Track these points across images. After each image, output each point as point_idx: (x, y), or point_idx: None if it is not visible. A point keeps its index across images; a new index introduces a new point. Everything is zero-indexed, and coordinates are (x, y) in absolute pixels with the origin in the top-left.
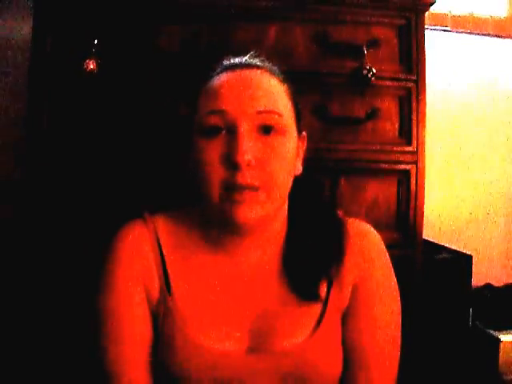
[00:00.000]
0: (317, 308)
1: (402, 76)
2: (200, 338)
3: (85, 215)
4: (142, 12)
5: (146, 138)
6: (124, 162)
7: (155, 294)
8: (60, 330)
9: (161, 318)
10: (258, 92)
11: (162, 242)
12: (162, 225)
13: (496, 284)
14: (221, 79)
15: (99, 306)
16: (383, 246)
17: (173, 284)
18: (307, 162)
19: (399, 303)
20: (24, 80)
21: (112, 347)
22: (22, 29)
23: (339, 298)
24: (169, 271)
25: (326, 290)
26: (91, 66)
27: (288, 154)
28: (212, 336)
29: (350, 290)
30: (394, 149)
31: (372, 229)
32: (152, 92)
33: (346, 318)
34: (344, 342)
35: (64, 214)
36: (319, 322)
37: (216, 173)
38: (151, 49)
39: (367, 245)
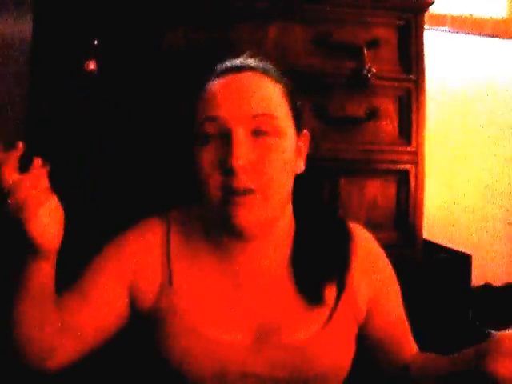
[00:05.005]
0: (325, 310)
1: (402, 76)
2: (202, 328)
3: (85, 217)
4: (142, 12)
5: (147, 138)
6: (125, 162)
7: (154, 285)
8: None
9: (163, 310)
10: (251, 96)
11: (171, 238)
12: (174, 221)
13: (495, 284)
14: (214, 85)
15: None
16: (380, 248)
17: (175, 276)
18: (307, 163)
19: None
20: (24, 80)
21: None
22: (22, 29)
23: (351, 304)
24: (173, 265)
25: (335, 294)
26: (91, 67)
27: (285, 155)
28: (214, 327)
29: (365, 301)
30: (394, 149)
31: (367, 232)
32: (152, 93)
33: (366, 322)
34: (369, 336)
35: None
36: (326, 323)
37: (213, 179)
38: (151, 49)
39: (371, 250)
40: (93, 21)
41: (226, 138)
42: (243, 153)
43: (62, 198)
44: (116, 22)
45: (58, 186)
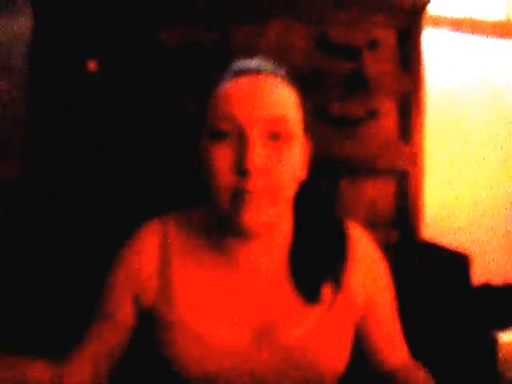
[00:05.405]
0: (322, 308)
1: (402, 76)
2: (201, 328)
3: (86, 216)
4: (143, 12)
5: (148, 137)
6: (126, 162)
7: (153, 286)
8: (59, 330)
9: (163, 311)
10: (268, 99)
11: (170, 241)
12: (172, 224)
13: (495, 283)
14: (230, 85)
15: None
16: (378, 248)
17: (174, 277)
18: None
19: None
20: (24, 80)
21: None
22: (22, 29)
23: (347, 303)
24: (172, 265)
25: (331, 292)
26: (92, 66)
27: (294, 160)
28: (214, 327)
29: (362, 300)
30: (394, 149)
31: (365, 232)
32: (153, 91)
33: (362, 322)
34: (363, 337)
35: (64, 215)
36: (322, 320)
37: (225, 179)
38: (152, 48)
39: (368, 250)
40: (93, 20)
41: (239, 139)
42: (258, 155)
43: (63, 198)
44: (116, 21)
45: (58, 186)
